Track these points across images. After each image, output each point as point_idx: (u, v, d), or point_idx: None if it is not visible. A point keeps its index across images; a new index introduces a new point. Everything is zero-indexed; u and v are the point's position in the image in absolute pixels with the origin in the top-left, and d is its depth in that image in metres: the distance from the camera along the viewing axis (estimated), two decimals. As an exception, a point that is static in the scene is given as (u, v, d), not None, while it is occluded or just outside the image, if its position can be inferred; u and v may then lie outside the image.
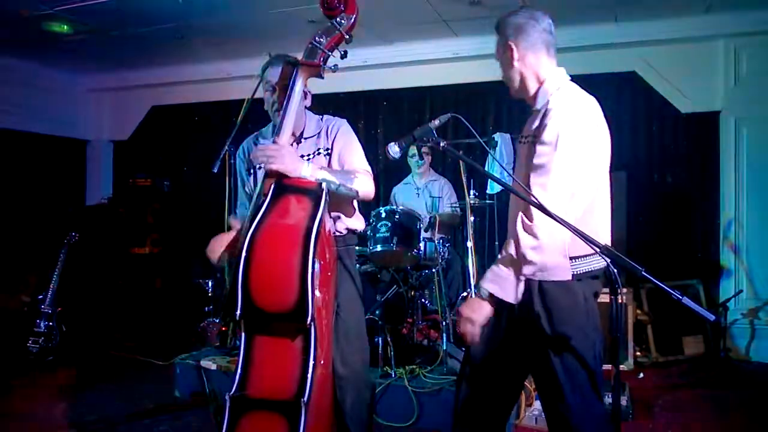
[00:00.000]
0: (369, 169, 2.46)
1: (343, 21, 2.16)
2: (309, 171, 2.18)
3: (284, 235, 1.99)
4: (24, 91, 6.47)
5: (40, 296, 4.99)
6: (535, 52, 2.01)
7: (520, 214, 1.87)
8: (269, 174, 2.15)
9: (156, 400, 4.03)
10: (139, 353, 5.16)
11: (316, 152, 2.48)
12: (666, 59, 5.17)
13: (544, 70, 2.02)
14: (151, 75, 6.78)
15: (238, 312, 1.91)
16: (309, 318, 1.91)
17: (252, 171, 2.54)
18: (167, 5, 4.76)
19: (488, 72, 5.66)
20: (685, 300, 1.39)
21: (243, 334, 2.01)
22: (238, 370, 1.98)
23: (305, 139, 2.46)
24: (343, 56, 2.23)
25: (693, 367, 4.69)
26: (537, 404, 3.56)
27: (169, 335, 5.83)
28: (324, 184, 2.14)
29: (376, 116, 6.34)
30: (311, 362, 1.98)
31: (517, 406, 3.43)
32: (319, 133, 2.50)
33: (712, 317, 1.46)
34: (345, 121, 2.55)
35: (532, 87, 2.04)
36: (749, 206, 5.06)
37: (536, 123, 1.95)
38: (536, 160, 1.87)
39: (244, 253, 1.90)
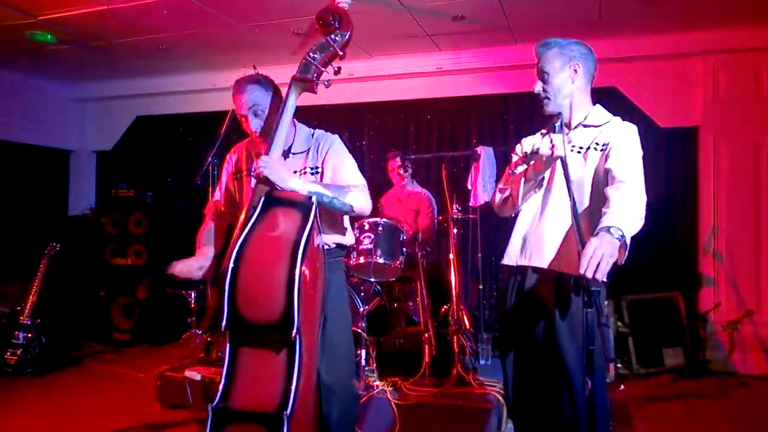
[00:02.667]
0: (364, 182, 2.43)
1: (337, 38, 2.18)
2: (300, 184, 2.20)
3: (272, 248, 2.00)
4: (7, 101, 6.42)
5: (19, 307, 4.94)
6: (589, 81, 2.35)
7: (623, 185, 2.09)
8: (260, 181, 2.16)
9: (137, 412, 4.00)
10: (120, 365, 5.11)
11: (303, 170, 2.44)
12: (645, 75, 5.25)
13: (588, 98, 2.36)
14: (135, 85, 6.75)
15: (224, 323, 1.91)
16: (294, 330, 1.92)
17: (238, 176, 2.55)
18: (151, 16, 4.76)
19: (471, 86, 5.83)
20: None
21: (228, 345, 2.00)
22: (222, 381, 1.98)
23: (293, 154, 2.43)
24: (337, 72, 2.26)
25: (673, 379, 4.73)
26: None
27: (151, 347, 5.79)
28: (314, 198, 2.14)
29: (361, 128, 6.36)
30: (295, 375, 1.98)
31: (498, 419, 3.44)
32: (308, 150, 2.47)
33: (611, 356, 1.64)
34: (336, 137, 2.52)
35: (584, 107, 2.34)
36: (728, 220, 5.13)
37: (599, 135, 2.27)
38: (626, 165, 2.15)
39: (231, 264, 1.90)
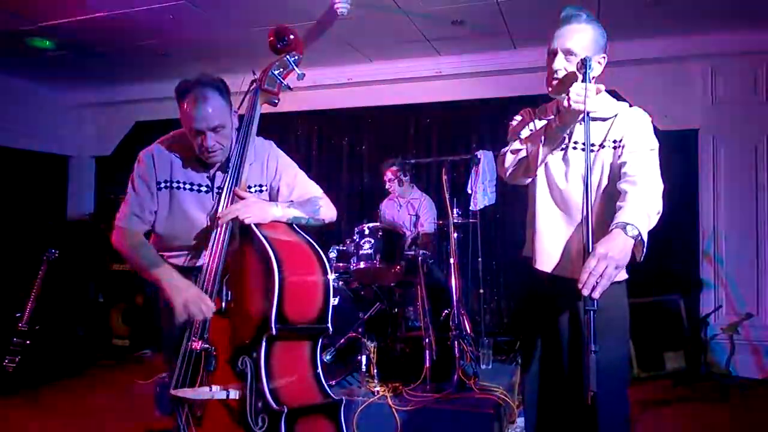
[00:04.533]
0: (321, 190, 2.38)
1: (293, 58, 2.22)
2: (280, 212, 2.14)
3: (300, 252, 2.10)
4: (6, 107, 6.41)
5: (18, 314, 4.91)
6: None
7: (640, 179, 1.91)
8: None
9: (136, 418, 3.98)
10: (119, 371, 5.09)
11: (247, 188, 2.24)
12: (645, 79, 5.26)
13: None
14: (134, 91, 6.75)
15: (274, 327, 1.91)
16: (330, 321, 2.06)
17: (163, 186, 2.23)
18: (151, 21, 4.77)
19: (470, 90, 5.83)
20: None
21: (264, 350, 1.97)
22: (265, 383, 1.95)
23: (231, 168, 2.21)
24: (289, 89, 2.26)
25: (674, 383, 4.72)
26: (519, 421, 3.56)
27: (150, 353, 5.77)
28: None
29: (360, 133, 6.37)
30: (318, 361, 2.11)
31: (498, 423, 3.43)
32: (251, 163, 2.23)
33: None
34: (272, 143, 2.38)
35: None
36: (727, 222, 5.15)
37: (610, 129, 2.05)
38: (641, 158, 1.97)
39: (277, 274, 1.93)
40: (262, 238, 2.00)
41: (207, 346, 2.05)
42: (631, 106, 2.14)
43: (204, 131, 2.11)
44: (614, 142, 2.04)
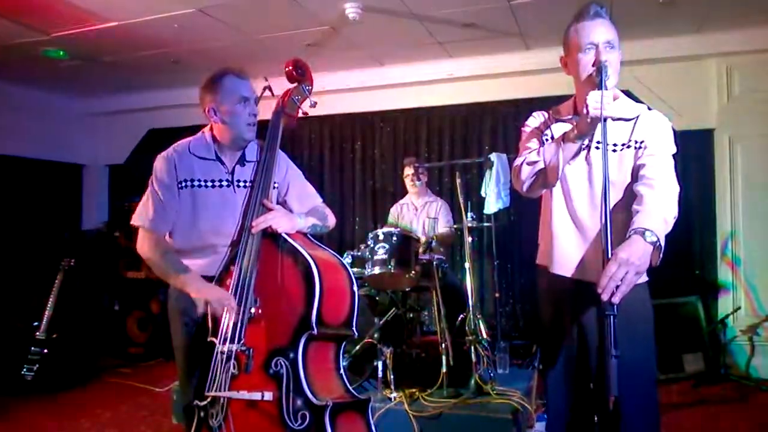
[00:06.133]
0: (320, 198, 2.62)
1: (308, 87, 2.50)
2: (303, 222, 2.34)
3: (328, 260, 2.26)
4: (19, 116, 6.47)
5: (35, 323, 4.95)
6: None
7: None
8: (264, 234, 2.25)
9: (153, 427, 3.99)
10: (135, 379, 5.11)
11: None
12: (660, 78, 5.23)
13: None
14: (147, 99, 6.80)
15: (317, 327, 2.05)
16: (355, 325, 2.23)
17: (185, 186, 2.30)
18: (162, 30, 4.79)
19: (483, 92, 5.81)
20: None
21: (301, 349, 2.08)
22: (304, 381, 2.04)
23: (248, 162, 2.40)
24: (305, 114, 2.53)
25: (694, 385, 4.66)
26: (537, 426, 3.53)
27: (165, 361, 5.79)
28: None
29: (373, 137, 6.37)
30: (341, 362, 2.26)
31: (517, 428, 3.40)
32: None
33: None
34: (280, 150, 2.48)
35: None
36: (745, 223, 5.08)
37: (637, 130, 2.05)
38: (658, 161, 1.97)
39: (317, 279, 2.08)
40: (298, 246, 2.16)
41: (245, 348, 2.10)
42: (649, 109, 2.14)
43: (249, 98, 2.35)
44: (636, 142, 2.05)
